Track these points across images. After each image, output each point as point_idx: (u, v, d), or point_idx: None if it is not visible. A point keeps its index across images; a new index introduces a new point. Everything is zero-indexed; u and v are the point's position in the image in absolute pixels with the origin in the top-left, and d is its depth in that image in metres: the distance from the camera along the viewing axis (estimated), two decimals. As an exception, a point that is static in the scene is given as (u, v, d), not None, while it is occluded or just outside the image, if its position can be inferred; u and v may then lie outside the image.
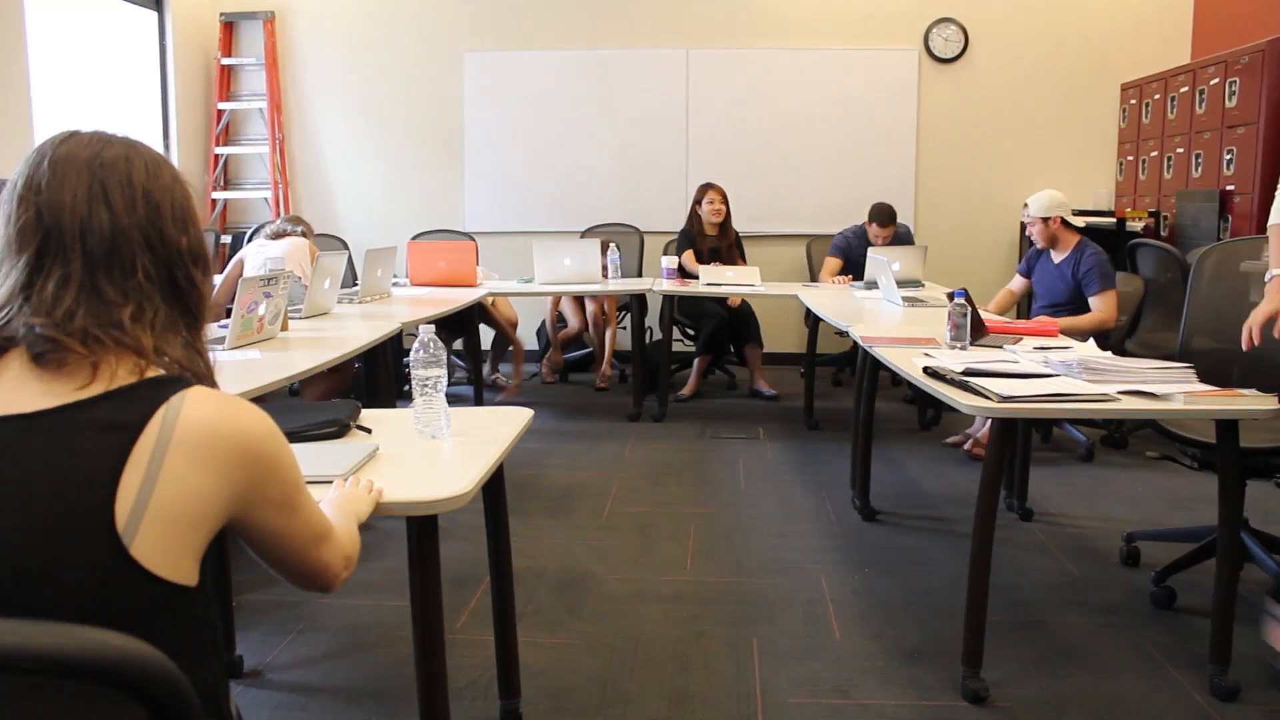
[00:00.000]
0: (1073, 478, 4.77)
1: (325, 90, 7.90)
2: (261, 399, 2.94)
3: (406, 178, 7.92)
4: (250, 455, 1.20)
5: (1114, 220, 6.50)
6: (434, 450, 2.09)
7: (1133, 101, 7.06)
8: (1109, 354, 3.20)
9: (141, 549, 1.10)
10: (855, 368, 4.56)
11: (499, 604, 2.48)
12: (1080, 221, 5.08)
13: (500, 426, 2.23)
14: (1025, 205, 5.13)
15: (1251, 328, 2.75)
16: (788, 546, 3.86)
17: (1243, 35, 6.19)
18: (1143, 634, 3.09)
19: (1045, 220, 4.92)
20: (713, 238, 6.60)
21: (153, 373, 1.19)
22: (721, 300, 6.43)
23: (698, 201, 6.57)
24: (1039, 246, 5.05)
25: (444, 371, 2.17)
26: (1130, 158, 7.07)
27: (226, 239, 7.60)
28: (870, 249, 5.80)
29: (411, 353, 2.15)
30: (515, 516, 4.22)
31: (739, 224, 7.29)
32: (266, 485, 1.24)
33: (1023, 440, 4.22)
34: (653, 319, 7.06)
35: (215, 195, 7.86)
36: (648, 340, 6.83)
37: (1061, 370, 2.90)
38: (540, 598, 3.39)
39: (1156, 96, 6.67)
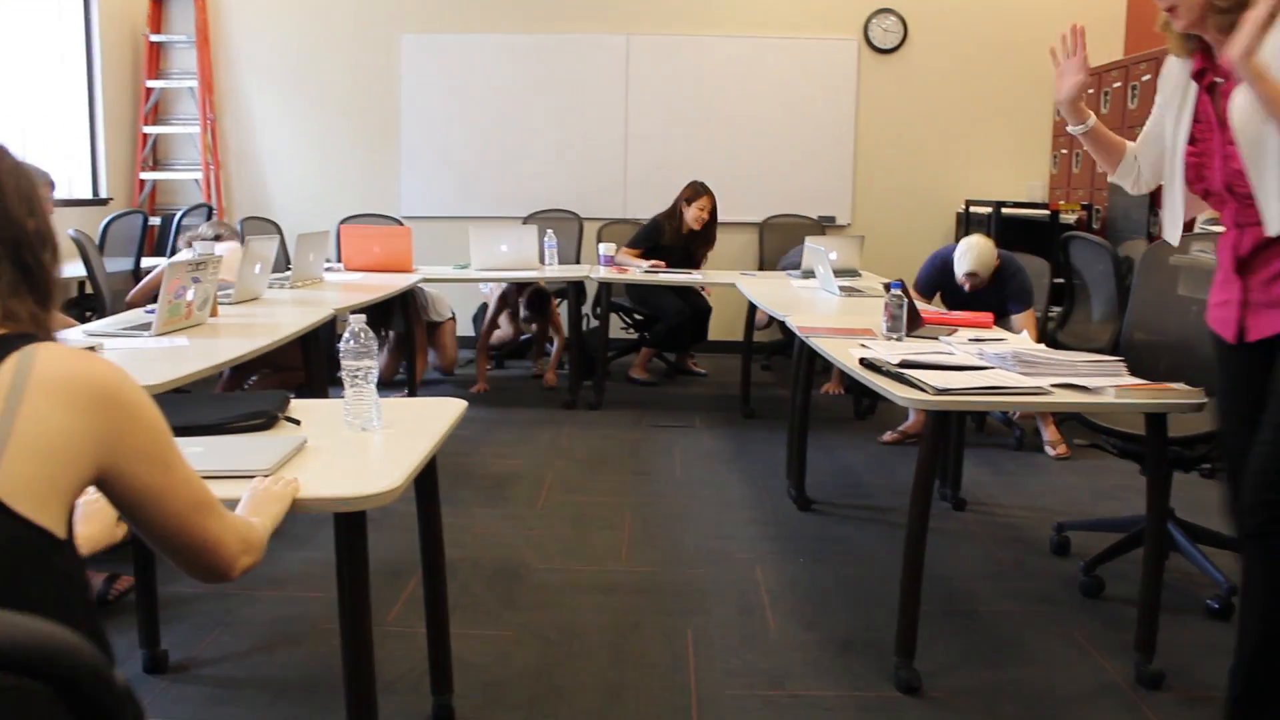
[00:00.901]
0: (1005, 466, 4.83)
1: (259, 70, 7.73)
2: (186, 388, 2.88)
3: (342, 161, 7.78)
4: (109, 399, 1.19)
5: (1048, 213, 6.58)
6: (364, 443, 2.05)
7: (1067, 95, 7.14)
8: (1042, 346, 3.23)
9: (3, 482, 1.08)
10: (792, 355, 4.57)
11: (430, 598, 2.45)
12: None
13: (432, 418, 2.19)
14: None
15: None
16: (723, 536, 3.86)
17: (1174, 31, 6.27)
18: (1072, 623, 3.14)
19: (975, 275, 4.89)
20: (684, 239, 6.49)
21: (4, 330, 1.19)
22: (686, 293, 6.41)
23: (686, 201, 6.44)
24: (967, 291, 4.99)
25: (375, 362, 2.12)
26: (1064, 151, 7.16)
27: (156, 221, 7.42)
28: (808, 239, 5.81)
29: (341, 343, 2.10)
30: (449, 506, 4.17)
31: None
32: (132, 435, 1.22)
33: (956, 430, 4.26)
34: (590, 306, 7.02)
35: (144, 176, 7.67)
36: (584, 327, 6.79)
37: (996, 362, 2.92)
38: (474, 589, 3.35)
39: (1090, 91, 6.76)
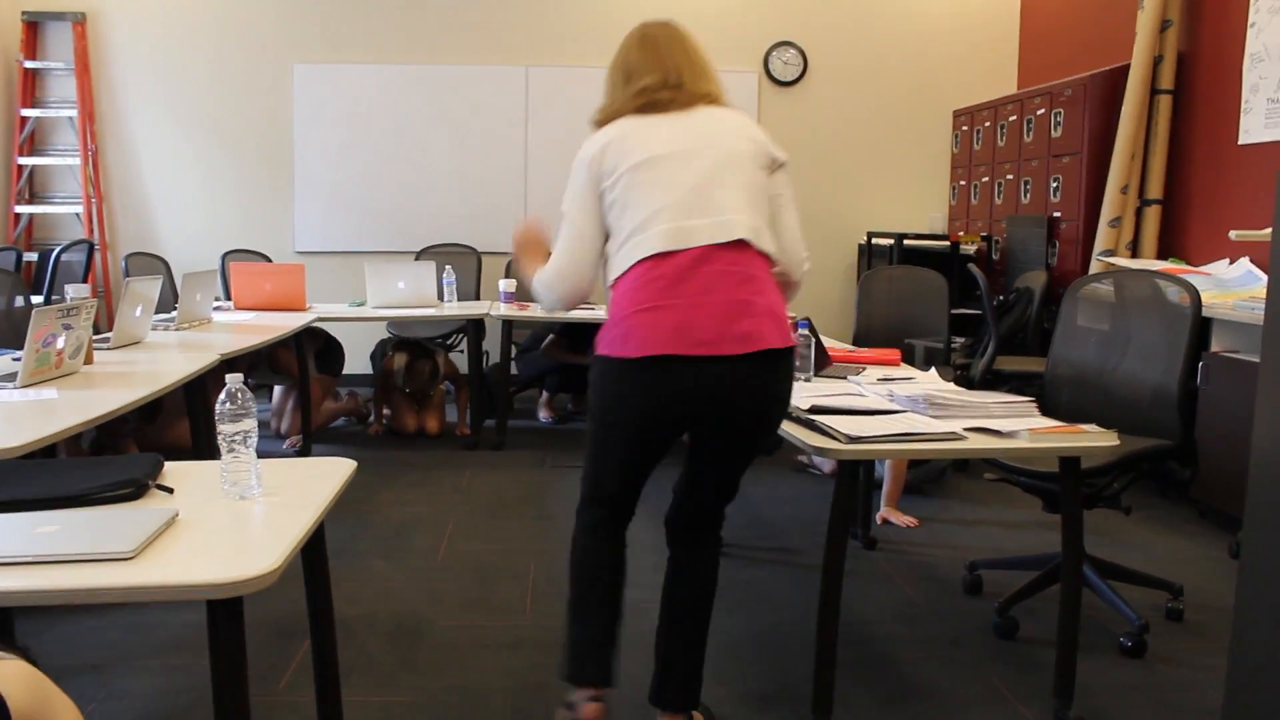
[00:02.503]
0: (916, 501, 4.80)
1: (143, 99, 7.43)
2: (51, 449, 2.66)
3: (232, 194, 7.51)
4: None
5: (948, 244, 6.64)
6: (242, 513, 1.88)
7: (964, 128, 7.25)
8: (953, 386, 3.19)
9: None
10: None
11: (320, 671, 2.27)
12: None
13: (318, 481, 2.03)
14: None
15: None
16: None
17: (1066, 68, 6.41)
18: (988, 667, 3.08)
19: None
20: None
21: None
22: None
23: None
24: None
25: (254, 424, 1.95)
26: (963, 182, 7.25)
27: (32, 256, 7.06)
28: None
29: (217, 405, 1.93)
30: (343, 559, 4.02)
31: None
32: None
33: (864, 470, 4.21)
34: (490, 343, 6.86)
35: (19, 209, 7.30)
36: (484, 365, 6.63)
37: (907, 405, 2.86)
38: (371, 648, 3.17)
39: (987, 124, 6.85)
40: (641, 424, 2.36)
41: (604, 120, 2.58)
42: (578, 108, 7.39)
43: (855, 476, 2.56)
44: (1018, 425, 2.60)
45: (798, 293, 2.60)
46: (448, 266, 6.17)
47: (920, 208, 7.48)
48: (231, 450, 1.94)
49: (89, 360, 3.64)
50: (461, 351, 6.85)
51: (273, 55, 7.37)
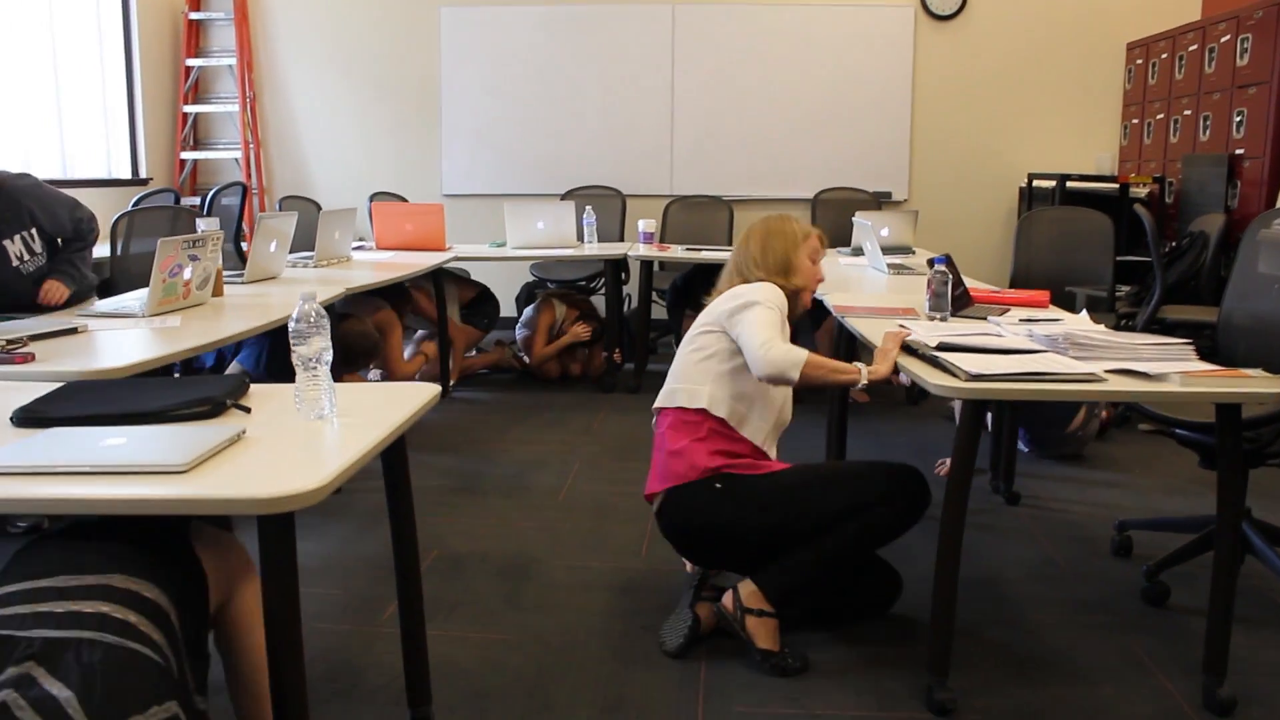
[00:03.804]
0: (1067, 456, 4.50)
1: (298, 47, 7.57)
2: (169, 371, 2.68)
3: (381, 138, 7.61)
4: None
5: (1116, 186, 6.19)
6: (311, 434, 1.82)
7: (1139, 61, 6.73)
8: (1102, 327, 2.91)
9: None
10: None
11: (405, 604, 2.22)
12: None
13: (393, 405, 1.96)
14: None
15: None
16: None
17: (1256, -10, 5.85)
18: (1131, 636, 2.82)
19: None
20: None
21: None
22: None
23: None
24: None
25: (327, 344, 1.89)
26: (1135, 120, 6.74)
27: (193, 200, 7.30)
28: (858, 214, 5.49)
29: (290, 323, 1.87)
30: (464, 495, 4.00)
31: (728, 187, 7.05)
32: None
33: (1009, 416, 3.94)
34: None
35: (184, 155, 7.56)
36: (626, 308, 6.54)
37: (1046, 344, 2.62)
38: (478, 587, 3.13)
39: (1164, 56, 6.34)
40: None
41: None
42: (725, 46, 7.20)
43: (980, 418, 2.35)
44: (1168, 368, 2.34)
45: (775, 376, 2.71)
46: (588, 207, 6.09)
47: (1087, 148, 6.99)
48: (306, 369, 1.88)
49: (218, 292, 3.69)
50: (602, 293, 6.79)
51: (421, -1, 7.40)
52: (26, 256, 3.51)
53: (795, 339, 2.83)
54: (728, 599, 2.70)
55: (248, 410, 1.96)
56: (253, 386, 2.12)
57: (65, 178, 6.47)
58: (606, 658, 2.69)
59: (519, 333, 6.19)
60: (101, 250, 5.33)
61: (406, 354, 5.82)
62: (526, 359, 6.17)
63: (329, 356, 1.89)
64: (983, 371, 2.26)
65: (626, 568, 3.28)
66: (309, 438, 1.79)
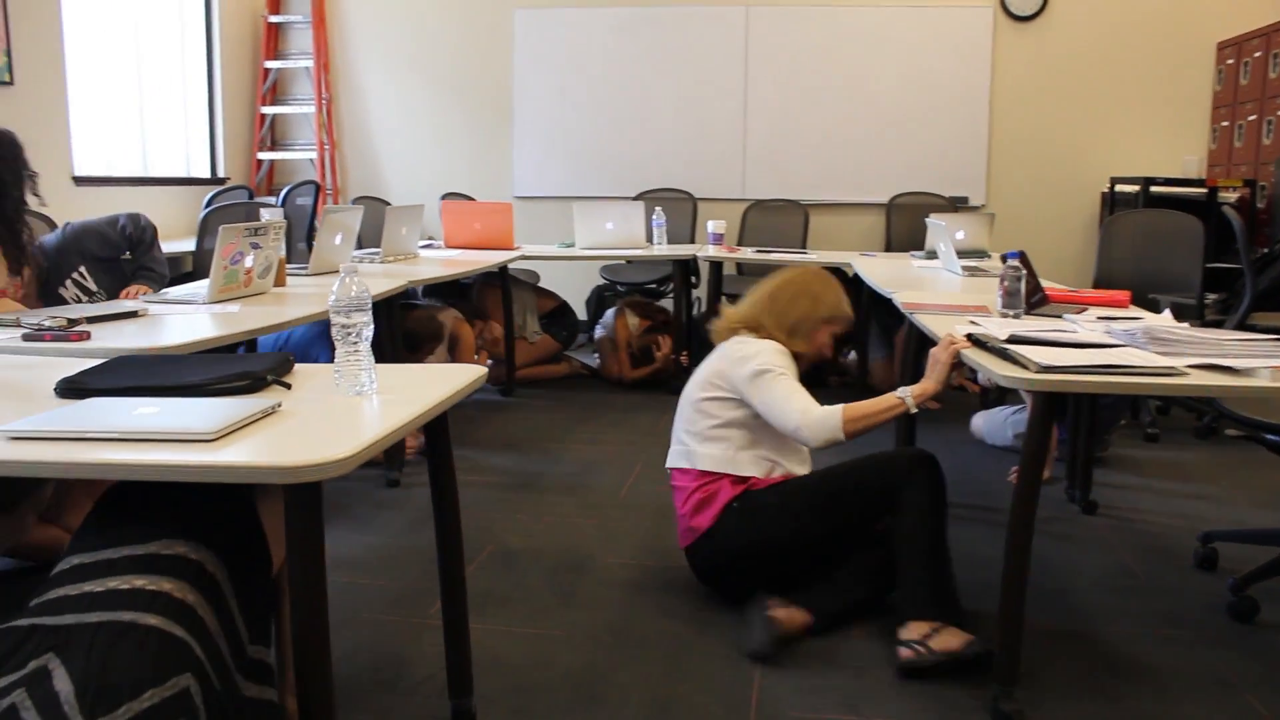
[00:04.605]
0: (1145, 465, 4.32)
1: (374, 49, 7.64)
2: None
3: (454, 140, 7.63)
4: None
5: (1204, 190, 5.96)
6: (348, 409, 1.77)
7: (1229, 61, 6.48)
8: (1185, 325, 2.76)
9: None
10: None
11: (448, 590, 2.16)
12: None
13: (436, 384, 1.90)
14: None
15: None
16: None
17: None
18: (1216, 652, 2.66)
19: None
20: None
21: None
22: None
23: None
24: None
25: (368, 318, 1.84)
26: (1225, 122, 6.49)
27: (269, 200, 7.39)
28: (932, 216, 5.35)
29: (331, 297, 1.83)
30: (523, 492, 3.95)
31: (801, 191, 6.96)
32: None
33: (1086, 419, 3.78)
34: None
35: (261, 156, 7.67)
36: (695, 311, 6.46)
37: (1124, 339, 2.49)
38: (530, 582, 3.06)
39: (1257, 54, 6.09)
40: None
41: None
42: (799, 48, 7.09)
43: (1051, 414, 2.23)
44: (1257, 364, 2.20)
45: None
46: (657, 208, 6.03)
47: (1173, 151, 6.75)
48: (345, 343, 1.83)
49: (280, 282, 3.69)
50: (671, 295, 6.71)
51: (495, 1, 7.40)
52: (83, 297, 3.48)
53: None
54: (906, 653, 2.51)
55: (288, 386, 1.92)
56: (298, 366, 2.09)
57: (146, 175, 6.59)
58: (658, 657, 2.60)
59: (597, 332, 6.13)
60: (184, 246, 5.43)
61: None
62: (595, 365, 6.12)
63: (369, 332, 1.85)
64: (1055, 363, 2.14)
65: (684, 567, 3.17)
66: (345, 412, 1.75)
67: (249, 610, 1.67)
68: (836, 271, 5.63)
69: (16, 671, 1.41)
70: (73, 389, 1.85)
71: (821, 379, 5.59)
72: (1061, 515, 3.69)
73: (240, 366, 1.95)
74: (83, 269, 3.47)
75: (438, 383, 1.92)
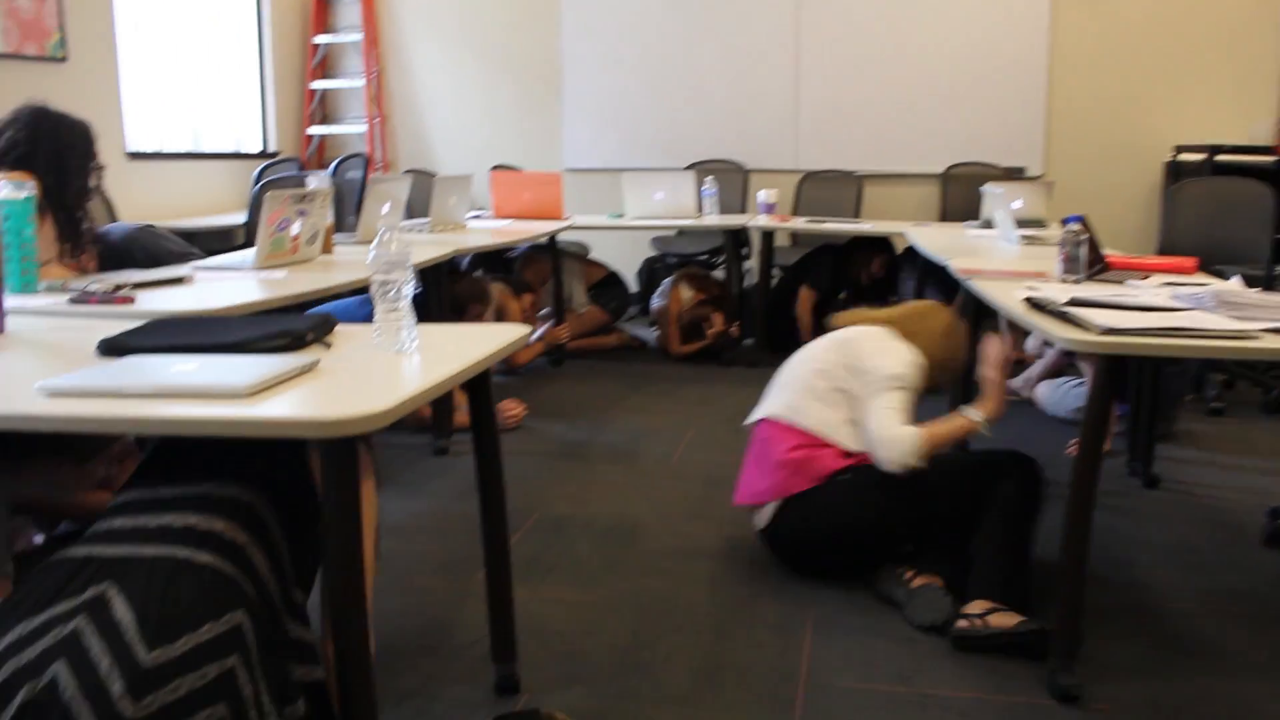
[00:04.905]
0: (1209, 438, 4.19)
1: (423, 22, 7.61)
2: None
3: (504, 112, 7.59)
4: None
5: (1274, 159, 5.77)
6: (386, 366, 1.74)
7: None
8: (1256, 290, 2.66)
9: None
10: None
11: (491, 555, 2.14)
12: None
13: (476, 343, 1.86)
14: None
15: None
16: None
17: None
18: (1283, 627, 2.57)
19: None
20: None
21: None
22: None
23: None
24: None
25: (408, 274, 1.81)
26: (1298, 87, 6.28)
27: (316, 174, 7.40)
28: (988, 184, 5.22)
29: (370, 253, 1.80)
30: (572, 460, 3.92)
31: (855, 162, 6.84)
32: None
33: (1147, 388, 3.66)
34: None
35: (311, 130, 7.68)
36: (745, 282, 6.38)
37: (1191, 304, 2.39)
38: (579, 549, 3.03)
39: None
40: None
41: None
42: (852, 15, 6.95)
43: (1114, 380, 2.15)
44: (1334, 326, 2.10)
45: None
46: (708, 178, 5.95)
47: (1240, 117, 6.51)
48: (384, 300, 1.80)
49: (328, 249, 3.67)
50: (723, 265, 6.64)
51: (545, -28, 7.35)
52: None
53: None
54: (962, 624, 2.47)
55: (328, 345, 1.90)
56: (340, 326, 2.06)
57: (196, 151, 6.63)
58: (706, 626, 2.56)
59: (654, 302, 6.06)
60: (235, 219, 5.46)
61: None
62: (647, 337, 6.06)
63: (409, 289, 1.81)
64: (1118, 325, 2.06)
65: (734, 536, 3.15)
66: (384, 369, 1.71)
67: (298, 556, 1.69)
68: (882, 241, 5.68)
69: (75, 597, 1.45)
70: (113, 348, 1.84)
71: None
72: (1123, 489, 3.60)
73: (280, 326, 1.92)
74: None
75: (479, 341, 1.88)
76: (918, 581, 2.63)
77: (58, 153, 2.90)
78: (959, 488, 2.65)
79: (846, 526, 2.71)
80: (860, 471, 2.70)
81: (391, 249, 1.78)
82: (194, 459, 1.68)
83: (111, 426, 1.47)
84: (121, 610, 1.42)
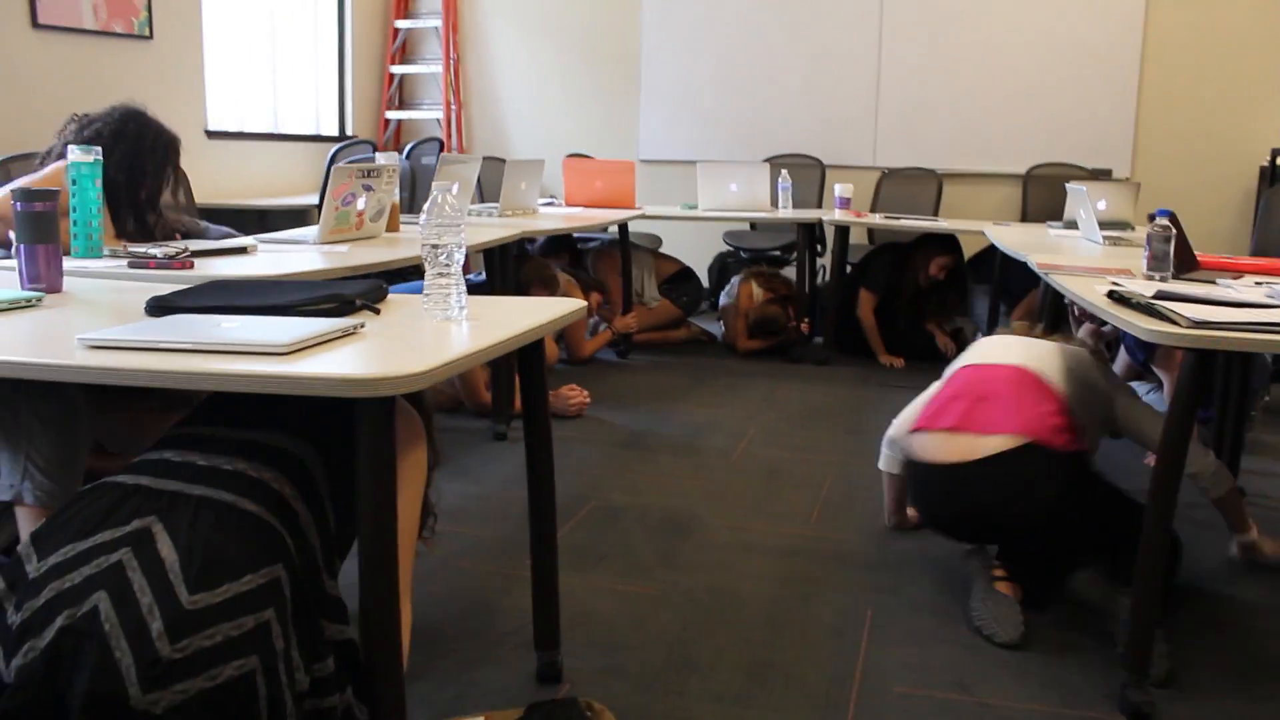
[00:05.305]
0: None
1: (501, 9, 7.60)
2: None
3: (581, 101, 7.55)
4: None
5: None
6: (432, 332, 1.69)
7: None
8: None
9: None
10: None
11: (537, 539, 2.08)
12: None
13: (528, 314, 1.80)
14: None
15: None
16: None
17: None
18: (1376, 651, 2.42)
19: None
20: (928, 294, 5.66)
21: None
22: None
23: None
24: None
25: (460, 240, 1.75)
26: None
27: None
28: (1071, 182, 5.05)
29: (422, 216, 1.74)
30: (633, 450, 3.85)
31: (935, 160, 6.69)
32: None
33: (1235, 392, 3.48)
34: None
35: (389, 115, 7.72)
36: (819, 281, 6.26)
37: (1288, 302, 2.25)
38: (631, 540, 2.96)
39: None
40: None
41: None
42: (935, 9, 6.79)
43: (1202, 377, 2.01)
44: None
45: None
46: (784, 171, 5.84)
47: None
48: (434, 265, 1.74)
49: (394, 227, 3.65)
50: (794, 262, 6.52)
51: (624, -38, 7.30)
52: None
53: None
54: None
55: (377, 311, 1.85)
56: (392, 295, 2.02)
57: (276, 132, 6.69)
58: (758, 622, 2.48)
59: (722, 299, 5.98)
60: (310, 200, 5.49)
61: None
62: (715, 333, 5.98)
63: (460, 255, 1.75)
64: (1206, 319, 1.93)
65: (793, 533, 3.06)
66: (428, 335, 1.66)
67: (342, 512, 1.66)
68: (949, 242, 5.51)
69: (120, 527, 1.44)
70: (161, 306, 1.81)
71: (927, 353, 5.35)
72: (1203, 501, 3.41)
73: (329, 289, 1.88)
74: None
75: (531, 313, 1.82)
76: (1002, 586, 2.51)
77: (136, 154, 2.91)
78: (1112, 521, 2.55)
79: (1051, 504, 2.50)
80: (1087, 459, 2.67)
81: (445, 210, 1.72)
82: (251, 406, 1.67)
83: (143, 379, 1.44)
84: (166, 548, 1.42)
